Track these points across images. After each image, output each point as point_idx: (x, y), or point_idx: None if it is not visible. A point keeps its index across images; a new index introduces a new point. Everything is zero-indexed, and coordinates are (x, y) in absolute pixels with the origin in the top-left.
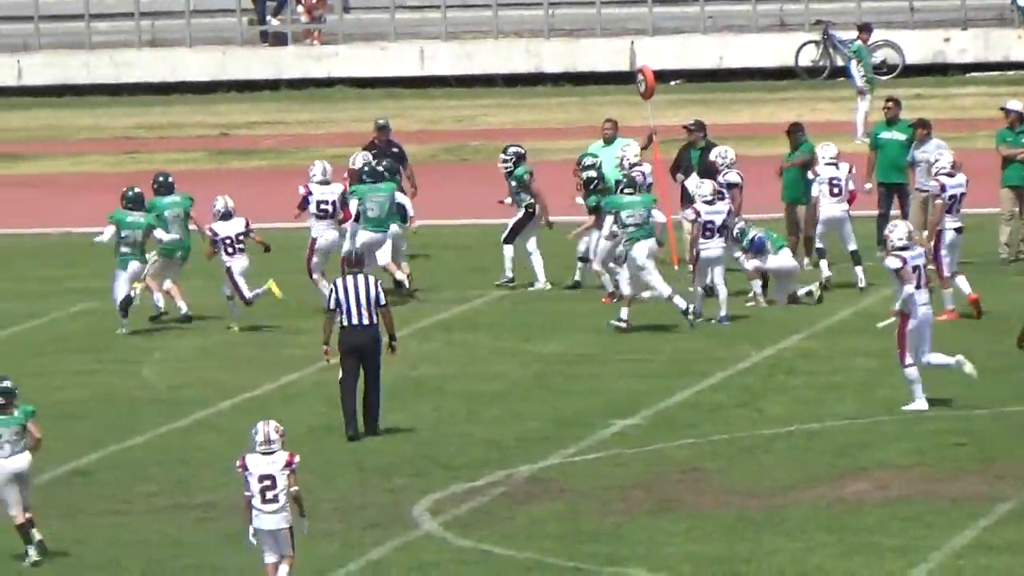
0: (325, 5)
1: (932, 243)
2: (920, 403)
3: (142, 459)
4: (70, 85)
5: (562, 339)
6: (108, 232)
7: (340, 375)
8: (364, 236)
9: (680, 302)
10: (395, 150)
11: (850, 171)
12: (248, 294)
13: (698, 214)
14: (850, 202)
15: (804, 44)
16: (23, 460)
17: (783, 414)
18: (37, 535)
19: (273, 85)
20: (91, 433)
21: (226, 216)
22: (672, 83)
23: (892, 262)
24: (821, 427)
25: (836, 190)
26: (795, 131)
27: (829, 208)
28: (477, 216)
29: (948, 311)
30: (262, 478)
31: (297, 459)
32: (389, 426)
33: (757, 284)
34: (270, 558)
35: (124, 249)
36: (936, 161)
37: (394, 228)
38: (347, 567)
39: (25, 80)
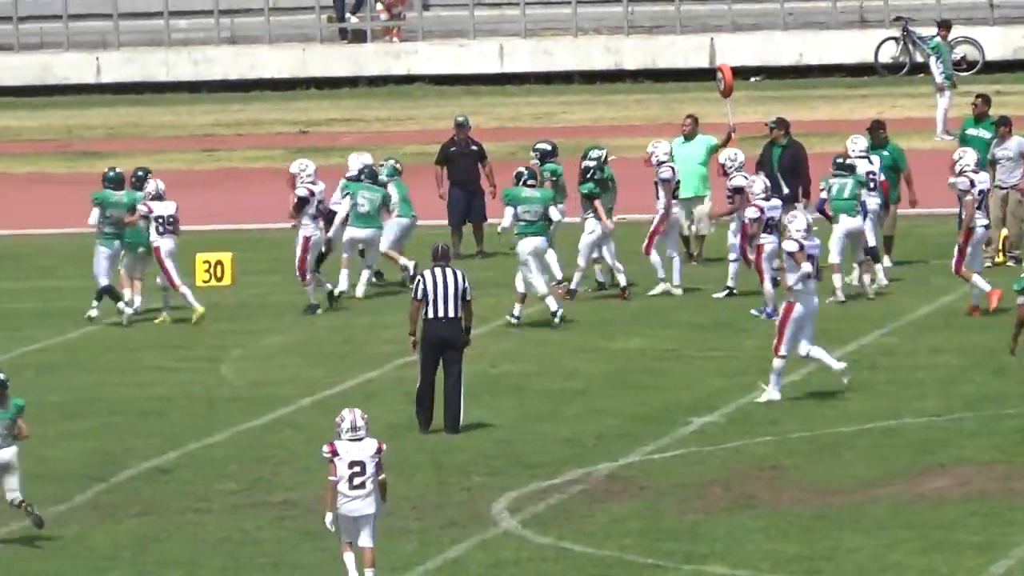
0: (405, 2)
1: (962, 239)
2: (774, 393)
3: (221, 457)
4: (149, 83)
5: (641, 336)
6: (94, 214)
7: (418, 367)
8: (352, 232)
9: (552, 303)
10: (474, 148)
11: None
12: (176, 279)
13: (762, 211)
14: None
15: (884, 41)
16: (10, 452)
17: (863, 410)
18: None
19: (352, 82)
20: (171, 431)
21: (158, 197)
22: (752, 80)
23: (789, 245)
24: (901, 423)
25: (872, 184)
26: (877, 128)
27: (869, 201)
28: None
29: (973, 307)
30: (352, 464)
31: (385, 447)
32: (468, 424)
33: (838, 279)
34: (348, 537)
35: (107, 229)
36: (960, 159)
37: (404, 220)
38: (425, 565)
39: (104, 78)
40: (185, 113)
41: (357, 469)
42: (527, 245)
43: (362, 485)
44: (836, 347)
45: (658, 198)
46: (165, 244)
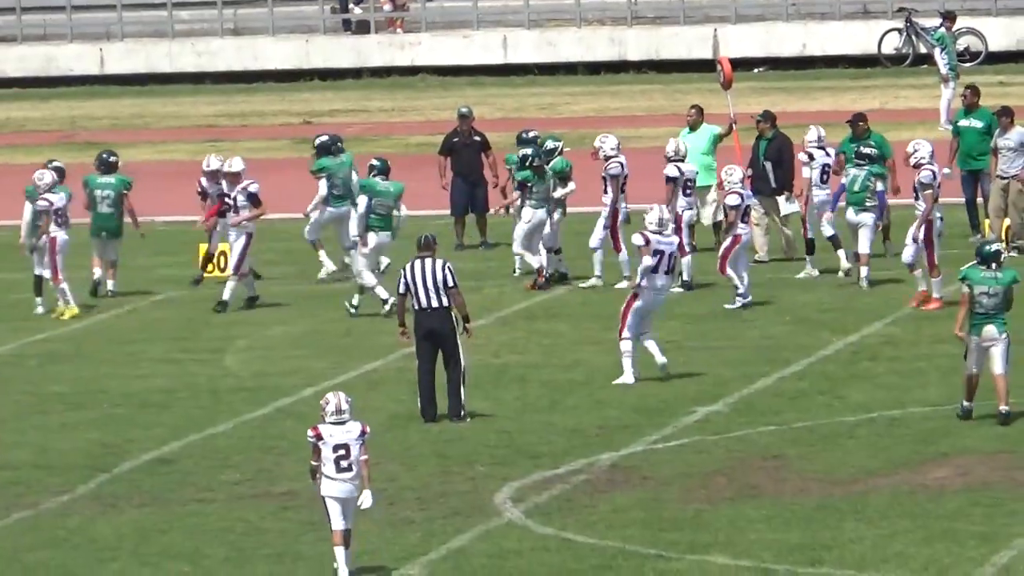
0: None
1: (923, 233)
2: (627, 377)
3: (224, 447)
4: (153, 74)
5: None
6: (84, 198)
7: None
8: (328, 212)
9: (382, 292)
10: (477, 139)
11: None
12: (60, 273)
13: (742, 198)
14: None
15: (887, 32)
16: None
17: (865, 401)
18: None
19: (356, 73)
20: (174, 421)
21: (51, 190)
22: (755, 71)
23: (637, 239)
24: (903, 414)
25: (825, 176)
26: (857, 121)
27: (820, 194)
28: None
29: (935, 299)
30: (337, 447)
31: (369, 429)
32: (471, 414)
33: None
34: (338, 525)
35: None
36: (916, 152)
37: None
38: (428, 555)
39: (107, 69)
40: (189, 104)
41: (343, 452)
42: (371, 238)
43: (349, 467)
44: (838, 337)
45: (606, 192)
46: (61, 236)
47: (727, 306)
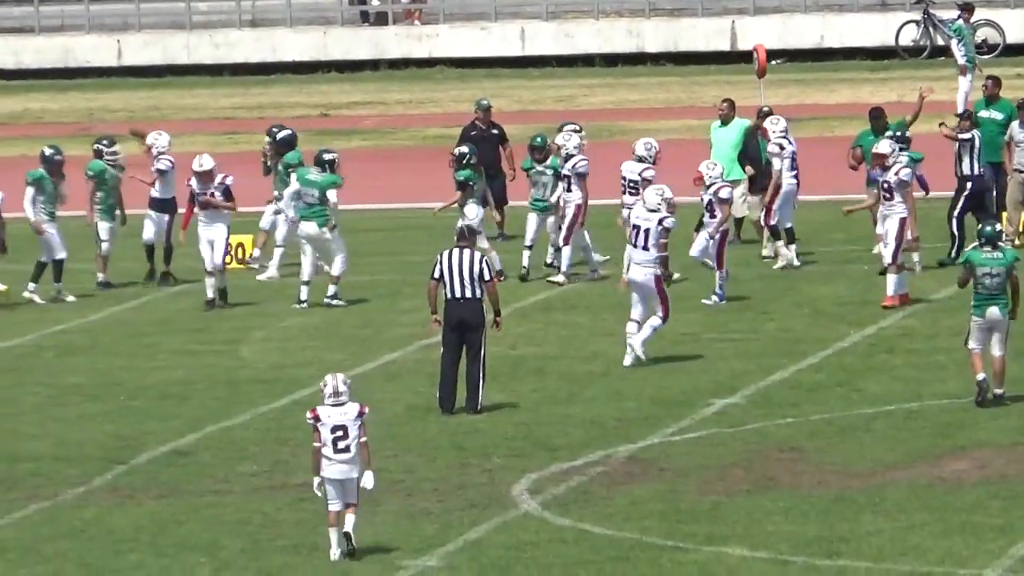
0: None
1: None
2: (628, 359)
3: (241, 439)
4: (170, 65)
5: None
6: (90, 185)
7: (441, 349)
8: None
9: (274, 272)
10: (494, 131)
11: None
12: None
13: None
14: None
15: (904, 24)
16: None
17: (882, 393)
18: None
19: (374, 65)
20: (191, 413)
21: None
22: (773, 62)
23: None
24: (920, 406)
25: (794, 165)
26: (877, 116)
27: (790, 182)
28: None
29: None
30: (335, 428)
31: (367, 410)
32: (489, 406)
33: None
34: (335, 506)
35: (111, 200)
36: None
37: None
38: (446, 547)
39: (125, 60)
40: (206, 96)
41: (340, 433)
42: (303, 228)
43: (346, 449)
44: (856, 330)
45: (569, 191)
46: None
47: (704, 301)
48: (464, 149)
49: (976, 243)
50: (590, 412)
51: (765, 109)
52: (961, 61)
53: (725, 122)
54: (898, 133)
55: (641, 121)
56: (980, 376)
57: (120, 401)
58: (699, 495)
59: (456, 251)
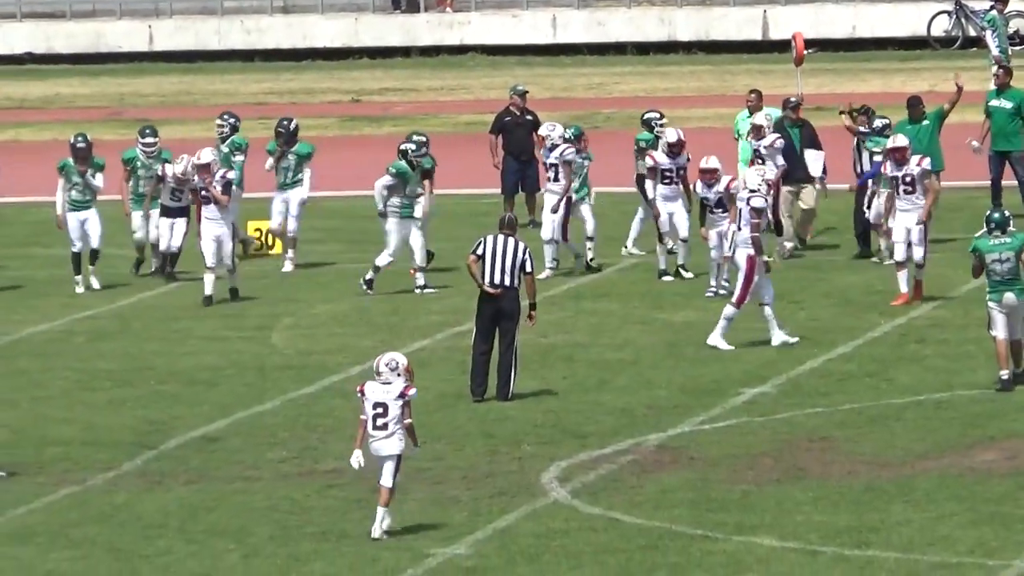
0: None
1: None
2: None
3: (270, 425)
4: (201, 51)
5: (693, 308)
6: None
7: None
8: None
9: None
10: (529, 118)
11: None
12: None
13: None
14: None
15: (936, 14)
16: None
17: (913, 383)
18: None
19: (405, 52)
20: (220, 399)
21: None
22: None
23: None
24: (951, 396)
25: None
26: (915, 104)
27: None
28: (609, 184)
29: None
30: (376, 405)
31: (412, 392)
32: (518, 393)
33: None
34: (383, 481)
35: (140, 189)
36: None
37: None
38: (475, 535)
39: (156, 46)
40: (237, 82)
41: (380, 410)
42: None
43: (384, 426)
44: (886, 320)
45: (557, 180)
46: None
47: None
48: (410, 146)
49: (983, 231)
50: (620, 400)
51: (794, 100)
52: (995, 52)
53: (753, 112)
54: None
55: (673, 109)
56: (1004, 373)
57: (150, 386)
58: (729, 484)
59: (500, 238)
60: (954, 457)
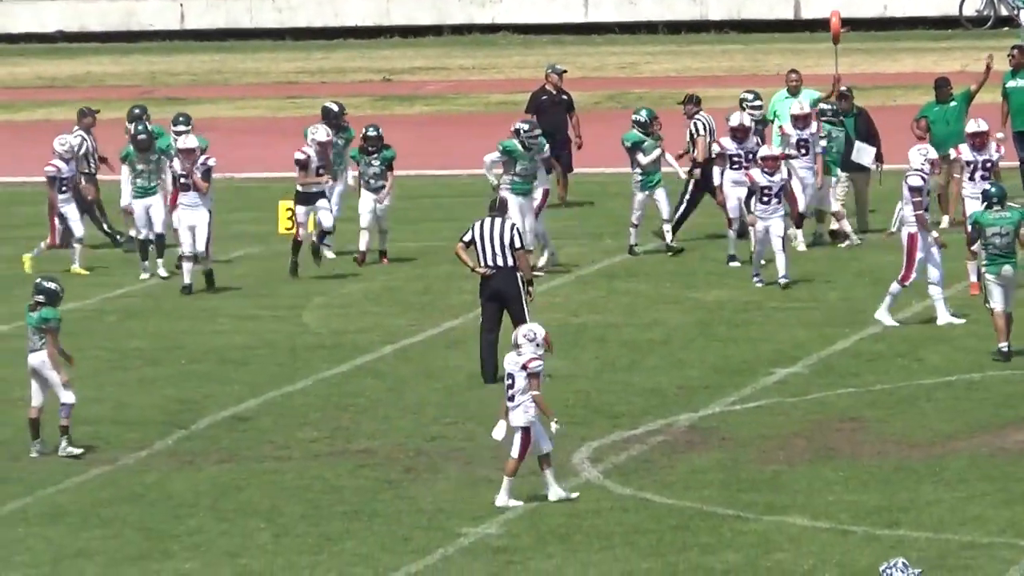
0: None
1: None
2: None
3: (301, 405)
4: (233, 29)
5: (725, 287)
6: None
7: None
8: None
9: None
10: (564, 97)
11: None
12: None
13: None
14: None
15: None
16: (36, 358)
17: (944, 364)
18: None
19: (437, 31)
20: (251, 379)
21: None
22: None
23: None
24: (982, 377)
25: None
26: (942, 85)
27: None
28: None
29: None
30: (508, 375)
31: (533, 364)
32: (550, 373)
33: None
34: (512, 452)
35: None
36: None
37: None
38: (506, 514)
39: (188, 24)
40: (268, 60)
41: (510, 381)
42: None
43: (511, 397)
44: (917, 300)
45: (548, 173)
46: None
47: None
48: (525, 126)
49: (985, 204)
50: (651, 380)
51: (845, 88)
52: None
53: (794, 93)
54: (825, 106)
55: (704, 88)
56: (1003, 345)
57: (181, 365)
58: (760, 464)
59: (488, 220)
60: (985, 437)
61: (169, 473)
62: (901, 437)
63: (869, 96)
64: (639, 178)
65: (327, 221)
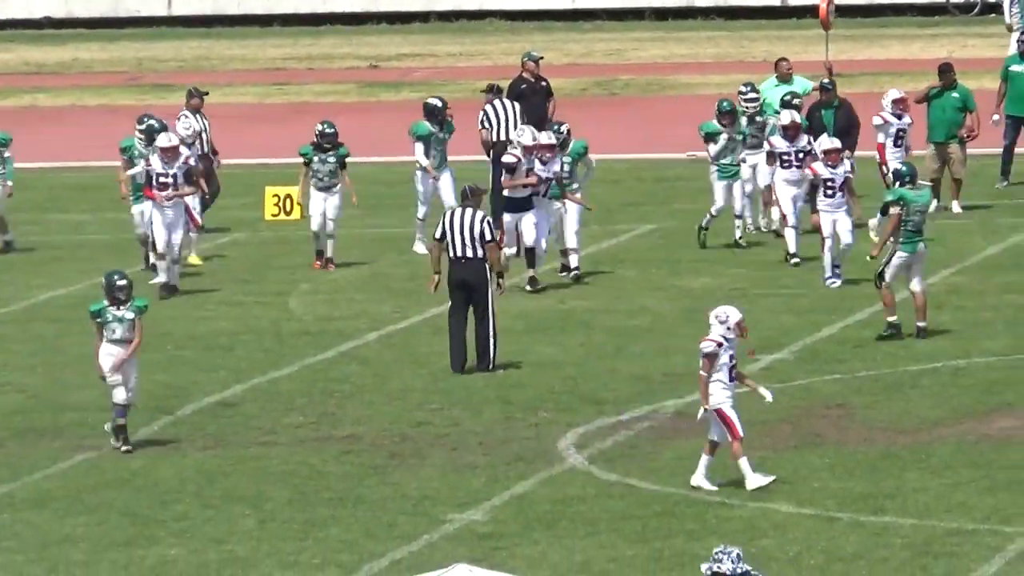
0: None
1: None
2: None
3: (287, 391)
4: (220, 16)
5: (711, 274)
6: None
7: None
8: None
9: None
10: (543, 83)
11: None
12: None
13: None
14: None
15: None
16: (126, 350)
17: (930, 350)
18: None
19: (424, 17)
20: (237, 364)
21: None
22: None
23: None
24: (968, 363)
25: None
26: (946, 71)
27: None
28: (626, 151)
29: None
30: (705, 355)
31: (702, 345)
32: (536, 360)
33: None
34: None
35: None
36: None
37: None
38: (492, 500)
39: (175, 10)
40: (256, 47)
41: (702, 363)
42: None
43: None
44: (903, 289)
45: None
46: None
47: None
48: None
49: (898, 183)
50: (637, 367)
51: (827, 82)
52: (1009, 19)
53: (785, 80)
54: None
55: (690, 75)
56: (894, 318)
57: (167, 351)
58: (745, 450)
59: (459, 211)
60: (971, 424)
61: (155, 459)
62: (887, 424)
63: (856, 83)
64: (714, 168)
65: (529, 238)
